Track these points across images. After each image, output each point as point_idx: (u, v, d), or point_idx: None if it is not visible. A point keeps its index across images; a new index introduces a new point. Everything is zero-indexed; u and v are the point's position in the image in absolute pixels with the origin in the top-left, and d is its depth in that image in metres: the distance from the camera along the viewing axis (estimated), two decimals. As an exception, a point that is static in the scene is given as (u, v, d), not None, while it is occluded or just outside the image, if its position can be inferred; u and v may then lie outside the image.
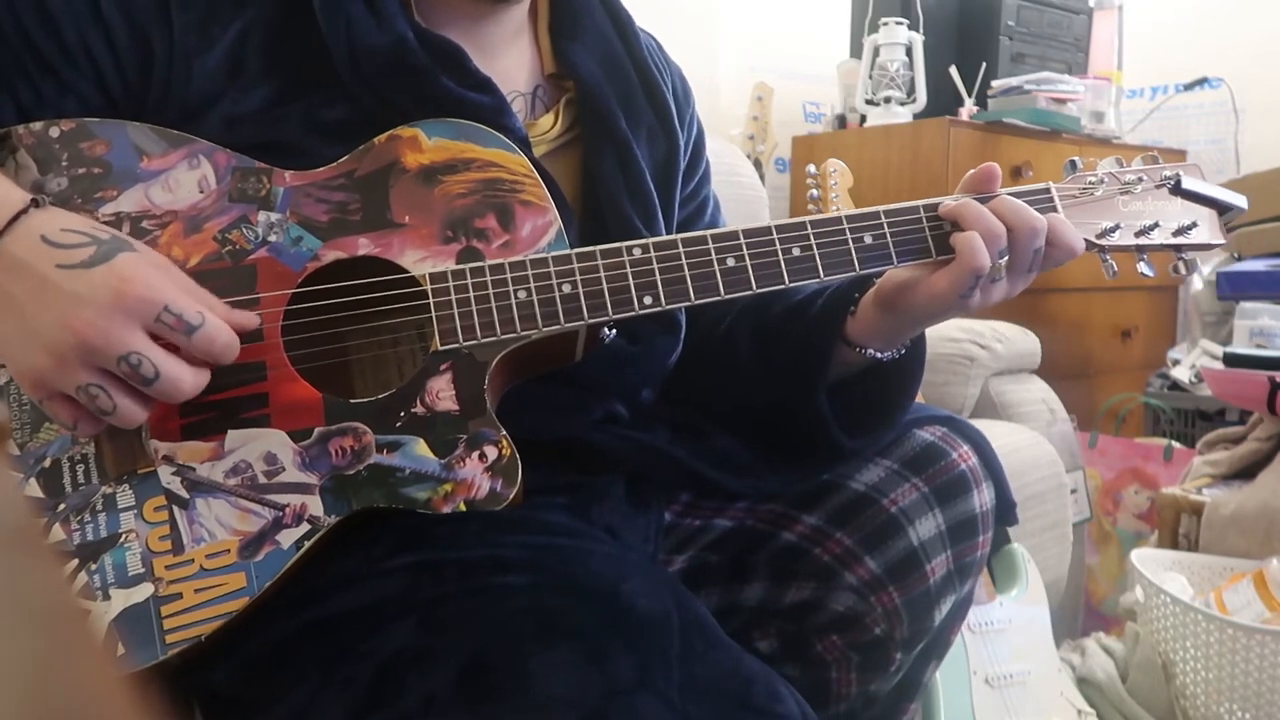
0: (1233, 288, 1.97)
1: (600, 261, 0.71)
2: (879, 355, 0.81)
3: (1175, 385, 2.13)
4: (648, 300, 0.71)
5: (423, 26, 0.75)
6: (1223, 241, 0.83)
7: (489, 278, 0.69)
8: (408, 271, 0.69)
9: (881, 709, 0.90)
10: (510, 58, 0.83)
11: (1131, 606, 1.57)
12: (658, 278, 0.71)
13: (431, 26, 0.76)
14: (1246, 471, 1.69)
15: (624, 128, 0.82)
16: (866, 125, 2.28)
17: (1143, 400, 2.14)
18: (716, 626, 0.66)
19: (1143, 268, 0.81)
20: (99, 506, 0.64)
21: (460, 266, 0.69)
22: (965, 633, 1.20)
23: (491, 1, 0.79)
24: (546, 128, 0.82)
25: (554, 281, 0.70)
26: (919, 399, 0.91)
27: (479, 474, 0.67)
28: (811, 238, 0.74)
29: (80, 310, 0.58)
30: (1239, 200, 0.83)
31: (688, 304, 0.72)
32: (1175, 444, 1.97)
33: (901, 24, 2.23)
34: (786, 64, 2.48)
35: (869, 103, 2.28)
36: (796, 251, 0.73)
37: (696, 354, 0.90)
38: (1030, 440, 1.60)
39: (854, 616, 0.85)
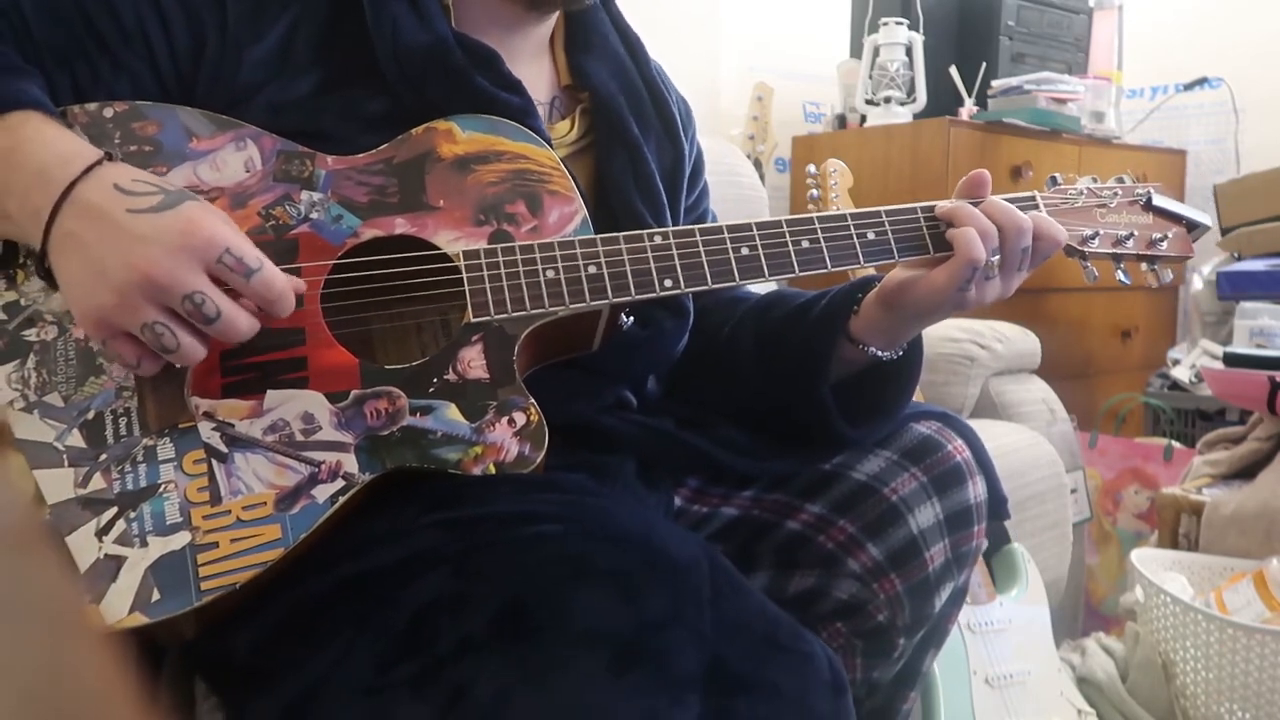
0: (1233, 288, 1.98)
1: (624, 246, 0.75)
2: (880, 354, 0.85)
3: (1175, 385, 2.13)
4: (668, 283, 0.75)
5: (459, 32, 0.80)
6: (1191, 255, 0.92)
7: (519, 257, 0.73)
8: (441, 250, 0.73)
9: (884, 697, 0.93)
10: (532, 70, 0.87)
11: (1131, 606, 1.57)
12: (677, 262, 0.76)
13: (466, 33, 0.81)
14: (1246, 471, 1.69)
15: (635, 132, 0.87)
16: (866, 125, 2.28)
17: (1143, 400, 2.14)
18: (741, 575, 0.68)
19: (1120, 275, 0.90)
20: (140, 458, 0.67)
21: (492, 246, 0.73)
22: (965, 633, 1.20)
23: (526, 8, 0.83)
24: (563, 133, 0.87)
25: (580, 262, 0.74)
26: (918, 398, 0.93)
27: (508, 438, 0.70)
28: (819, 231, 0.79)
29: (148, 250, 0.61)
30: (1204, 218, 0.91)
31: (705, 288, 0.76)
32: (1175, 444, 1.98)
33: (901, 24, 2.24)
34: (786, 64, 2.48)
35: (869, 103, 2.29)
36: (805, 244, 0.79)
37: (701, 359, 0.93)
38: (1030, 440, 1.60)
39: (857, 604, 0.87)
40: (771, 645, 0.64)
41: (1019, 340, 1.76)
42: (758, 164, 2.16)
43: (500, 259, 0.72)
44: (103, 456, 0.66)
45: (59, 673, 0.20)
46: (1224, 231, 2.10)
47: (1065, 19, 2.40)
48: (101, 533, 0.64)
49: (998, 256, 0.79)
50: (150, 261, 0.60)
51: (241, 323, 0.64)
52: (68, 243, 0.62)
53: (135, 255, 0.61)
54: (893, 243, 0.80)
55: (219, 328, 0.63)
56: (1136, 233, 0.88)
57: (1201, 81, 2.55)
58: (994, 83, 2.24)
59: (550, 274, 0.73)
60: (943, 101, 2.27)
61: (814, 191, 1.38)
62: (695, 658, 0.58)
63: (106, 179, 0.63)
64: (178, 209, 0.63)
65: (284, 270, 0.69)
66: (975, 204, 0.81)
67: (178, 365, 0.65)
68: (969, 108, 2.24)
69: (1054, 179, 0.89)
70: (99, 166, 0.64)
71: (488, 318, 0.71)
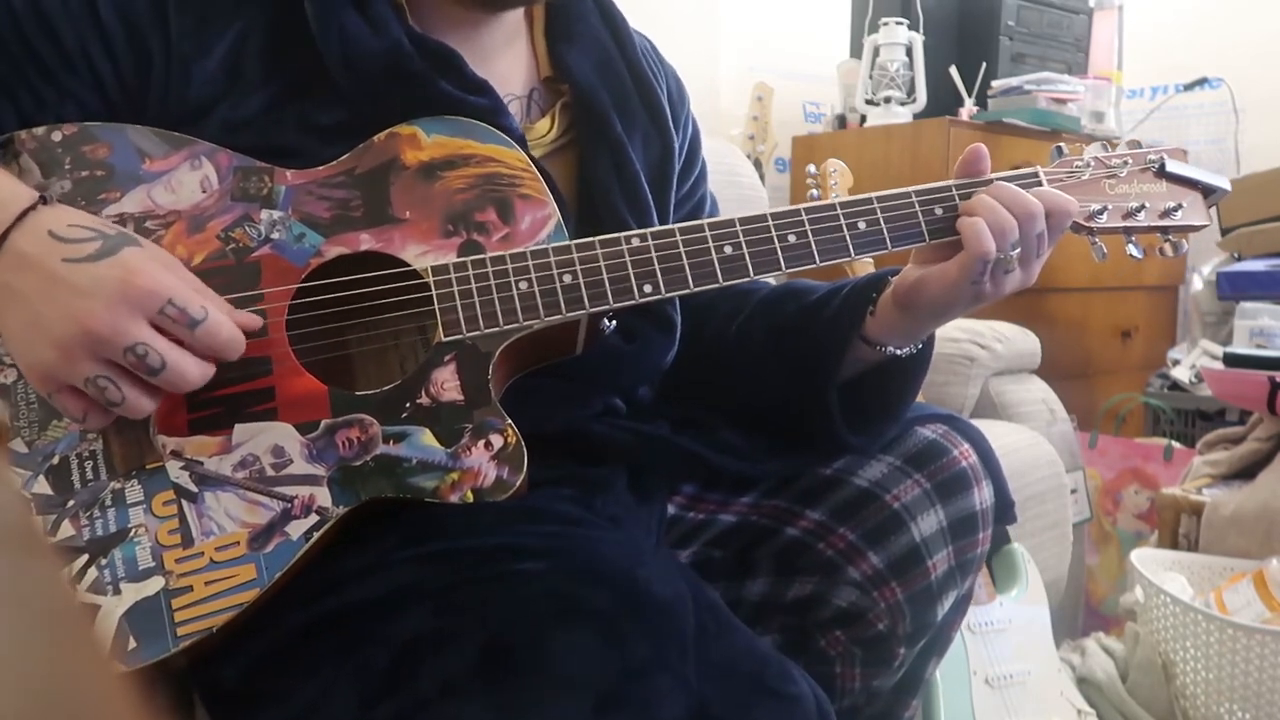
0: (1233, 288, 1.98)
1: (599, 251, 0.72)
2: (898, 352, 0.82)
3: (1175, 385, 2.13)
4: (648, 289, 0.72)
5: (418, 32, 0.76)
6: (1208, 223, 0.84)
7: (490, 269, 0.70)
8: (409, 265, 0.70)
9: (884, 705, 0.91)
10: (506, 61, 0.84)
11: (1131, 606, 1.57)
12: (656, 266, 0.72)
13: (427, 33, 0.77)
14: (1246, 471, 1.69)
15: (619, 131, 0.83)
16: (866, 125, 2.28)
17: (1143, 400, 2.14)
18: (729, 611, 0.67)
19: (1131, 249, 0.83)
20: (108, 502, 0.65)
21: (462, 259, 0.70)
22: (965, 633, 1.20)
23: (484, 8, 0.80)
24: (543, 131, 0.84)
25: (554, 272, 0.70)
26: (919, 398, 0.92)
27: (485, 462, 0.67)
28: (806, 224, 0.75)
29: (86, 303, 0.59)
30: (1222, 182, 0.84)
31: (687, 292, 0.73)
32: (1175, 444, 1.97)
33: (901, 24, 2.23)
34: (786, 64, 2.48)
35: (869, 103, 2.28)
36: (792, 239, 0.75)
37: (708, 352, 0.91)
38: (1030, 440, 1.60)
39: (857, 612, 0.85)
40: (757, 689, 0.62)
41: (1019, 340, 1.76)
42: (758, 164, 2.16)
43: (471, 273, 0.69)
44: (70, 503, 0.64)
45: (59, 672, 0.20)
46: (1224, 231, 2.10)
47: (1065, 19, 2.40)
48: (73, 581, 0.63)
49: (1017, 250, 0.75)
50: (89, 314, 0.58)
51: (190, 370, 0.61)
52: (5, 295, 0.60)
53: (74, 308, 0.58)
54: (885, 232, 0.76)
55: (166, 378, 0.60)
56: (1148, 203, 0.82)
57: (1201, 81, 2.54)
58: (994, 83, 2.24)
59: (523, 286, 0.70)
60: (943, 101, 2.27)
61: (814, 192, 1.38)
62: (679, 704, 0.57)
63: (41, 226, 0.61)
64: (116, 257, 0.60)
65: (247, 296, 0.67)
66: (980, 184, 0.78)
67: (127, 418, 0.63)
68: (969, 108, 2.24)
69: (1059, 149, 0.83)
70: (33, 212, 0.61)
71: (459, 336, 0.69)
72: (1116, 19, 2.45)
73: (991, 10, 2.29)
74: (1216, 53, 2.57)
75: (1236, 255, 2.07)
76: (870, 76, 2.28)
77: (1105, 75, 2.41)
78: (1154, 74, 2.69)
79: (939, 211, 0.77)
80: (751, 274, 0.74)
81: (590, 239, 0.72)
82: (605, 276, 0.71)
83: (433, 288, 0.69)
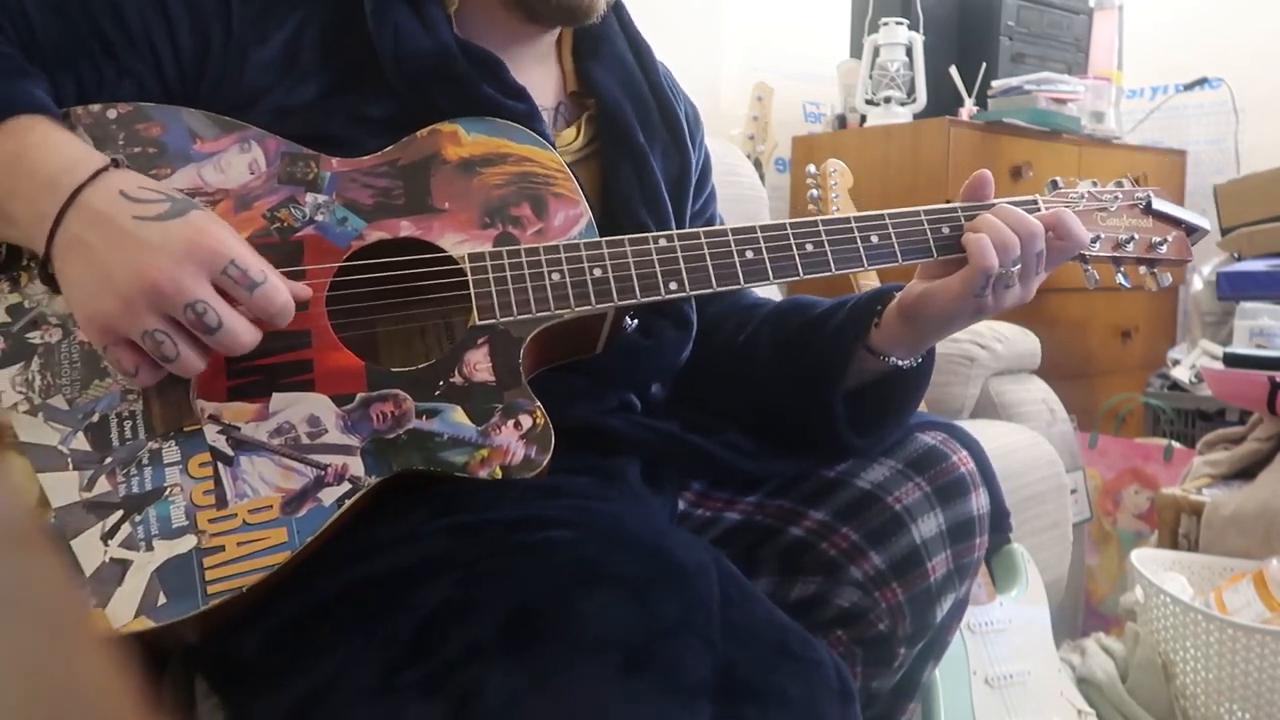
0: (1233, 288, 1.98)
1: (629, 248, 0.75)
2: (900, 363, 0.85)
3: (1175, 385, 2.13)
4: (673, 286, 0.75)
5: (462, 39, 0.80)
6: (1190, 260, 0.92)
7: (524, 259, 0.73)
8: (447, 253, 0.73)
9: (883, 707, 0.93)
10: (536, 75, 0.87)
11: (1131, 606, 1.57)
12: (682, 265, 0.76)
13: (469, 40, 0.81)
14: (1246, 471, 1.70)
15: (641, 141, 0.87)
16: (866, 125, 2.28)
17: (1143, 400, 2.14)
18: (749, 582, 0.69)
19: (1120, 278, 0.90)
20: (145, 461, 0.67)
21: (498, 249, 0.73)
22: (965, 633, 1.20)
23: (527, 20, 0.83)
24: (569, 140, 0.87)
25: (585, 265, 0.74)
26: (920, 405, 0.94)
27: (514, 441, 0.70)
28: (823, 235, 0.79)
29: (154, 257, 0.61)
30: (1203, 222, 0.92)
31: (709, 291, 0.76)
32: (1175, 444, 1.98)
33: (901, 24, 2.24)
34: (787, 64, 2.48)
35: (869, 103, 2.28)
36: (809, 247, 0.79)
37: (715, 363, 0.93)
38: (1030, 440, 1.60)
39: (859, 612, 0.87)
40: (780, 652, 0.64)
41: (1019, 340, 1.76)
42: (758, 164, 2.16)
43: (506, 261, 0.72)
44: (108, 460, 0.66)
45: (60, 672, 0.20)
46: (1224, 232, 2.10)
47: (1065, 19, 2.40)
48: (107, 536, 0.64)
49: (1018, 266, 0.79)
50: (156, 269, 0.60)
51: (243, 334, 0.63)
52: (73, 247, 0.62)
53: (141, 262, 0.61)
54: (896, 246, 0.80)
55: (219, 338, 0.62)
56: (1137, 236, 0.88)
57: (1201, 81, 2.55)
58: (994, 83, 2.24)
59: (556, 277, 0.73)
60: (943, 101, 2.27)
61: (814, 192, 1.38)
62: (706, 664, 0.58)
63: (113, 185, 0.63)
64: (185, 217, 0.63)
65: (289, 273, 0.69)
66: (984, 208, 0.82)
67: (177, 375, 0.64)
68: (969, 108, 2.24)
69: (1055, 183, 0.89)
70: (105, 173, 0.64)
71: (493, 320, 0.71)
72: (1116, 19, 2.46)
73: (991, 10, 2.30)
74: (1216, 53, 2.57)
75: (1236, 255, 2.07)
76: (870, 76, 2.28)
77: (1105, 75, 2.42)
78: (1154, 74, 2.69)
79: (946, 230, 0.82)
80: (771, 278, 0.77)
81: (620, 237, 0.75)
82: (633, 272, 0.75)
83: (469, 274, 0.72)
